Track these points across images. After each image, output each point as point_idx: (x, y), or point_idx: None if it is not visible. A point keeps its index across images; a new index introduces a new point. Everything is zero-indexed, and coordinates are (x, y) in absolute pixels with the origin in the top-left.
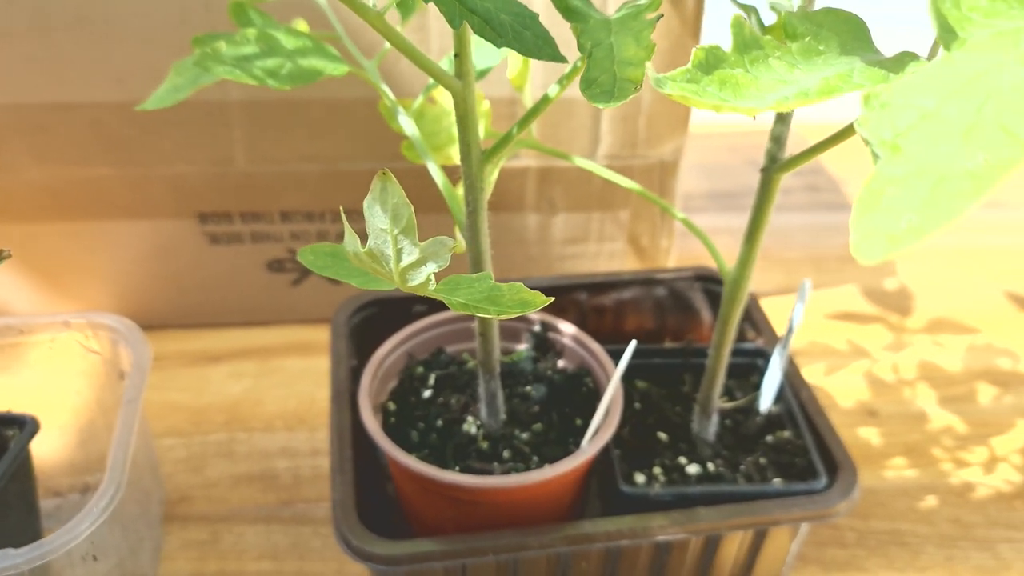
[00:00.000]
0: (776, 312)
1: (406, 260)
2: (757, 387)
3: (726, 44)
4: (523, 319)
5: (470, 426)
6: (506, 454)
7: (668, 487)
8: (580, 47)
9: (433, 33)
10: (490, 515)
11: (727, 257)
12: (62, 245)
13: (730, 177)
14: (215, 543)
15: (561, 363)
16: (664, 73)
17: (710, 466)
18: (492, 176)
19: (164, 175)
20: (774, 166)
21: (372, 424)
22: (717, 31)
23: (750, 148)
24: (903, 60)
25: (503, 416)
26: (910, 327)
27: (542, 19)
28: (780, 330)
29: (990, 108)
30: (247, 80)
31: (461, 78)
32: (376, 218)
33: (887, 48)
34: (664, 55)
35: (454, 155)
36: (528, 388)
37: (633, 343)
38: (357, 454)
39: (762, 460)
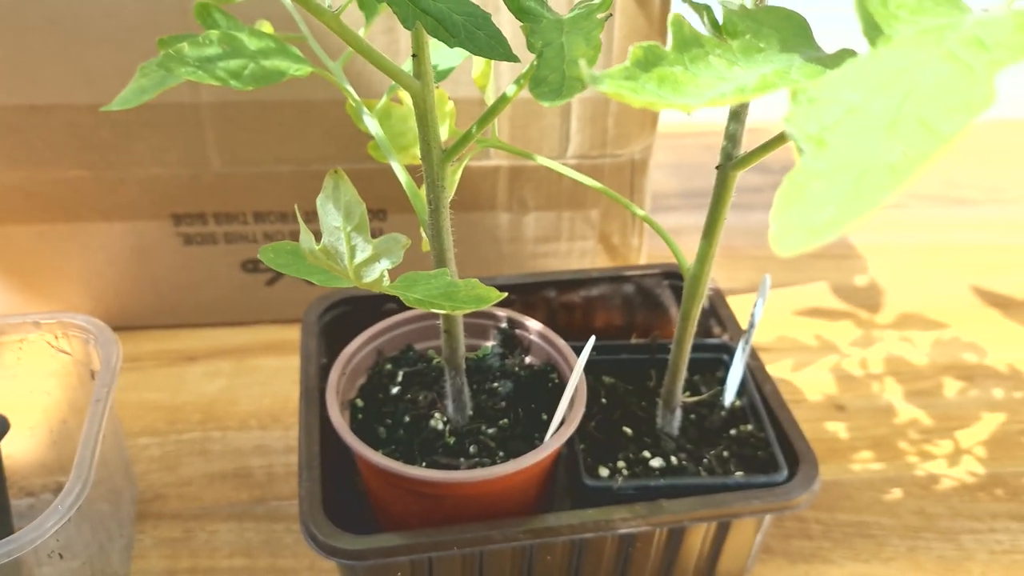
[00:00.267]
0: (747, 309)
1: (359, 257)
2: (722, 382)
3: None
4: (490, 316)
5: (437, 422)
6: (472, 449)
7: (631, 480)
8: (530, 47)
9: (402, 34)
10: (455, 509)
11: None
12: (37, 247)
13: (702, 176)
14: (188, 541)
15: (528, 359)
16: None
17: (673, 459)
18: (455, 175)
19: (138, 177)
20: (729, 163)
21: (338, 420)
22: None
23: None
24: (842, 57)
25: (470, 412)
26: (879, 323)
27: (506, 21)
28: (746, 326)
29: (911, 103)
30: (210, 81)
31: (420, 78)
32: (329, 216)
33: (834, 46)
34: None
35: (419, 155)
36: (495, 384)
37: (592, 338)
38: (326, 450)
39: (725, 453)
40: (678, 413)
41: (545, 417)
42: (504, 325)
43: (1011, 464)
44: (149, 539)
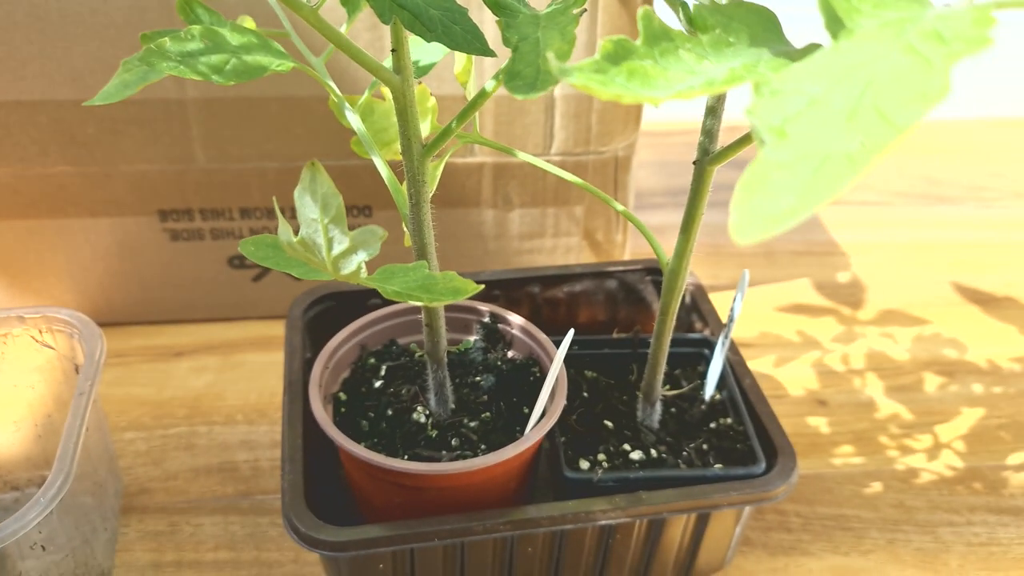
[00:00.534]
0: (729, 305)
1: (337, 249)
2: (703, 376)
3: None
4: (473, 311)
5: (419, 415)
6: (454, 442)
7: (611, 472)
8: (505, 41)
9: (387, 31)
10: (437, 501)
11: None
12: (23, 243)
13: (686, 174)
14: (173, 534)
15: (510, 353)
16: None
17: (653, 452)
18: (437, 171)
19: (124, 173)
20: (706, 159)
21: (321, 413)
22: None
23: None
24: (809, 51)
25: (452, 405)
26: (861, 319)
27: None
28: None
29: (870, 94)
30: (192, 76)
31: (399, 73)
32: (307, 208)
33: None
34: None
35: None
36: (477, 378)
37: (571, 331)
38: (309, 444)
39: (704, 446)
40: (658, 407)
41: (527, 410)
42: (487, 319)
43: (989, 458)
44: (134, 532)
